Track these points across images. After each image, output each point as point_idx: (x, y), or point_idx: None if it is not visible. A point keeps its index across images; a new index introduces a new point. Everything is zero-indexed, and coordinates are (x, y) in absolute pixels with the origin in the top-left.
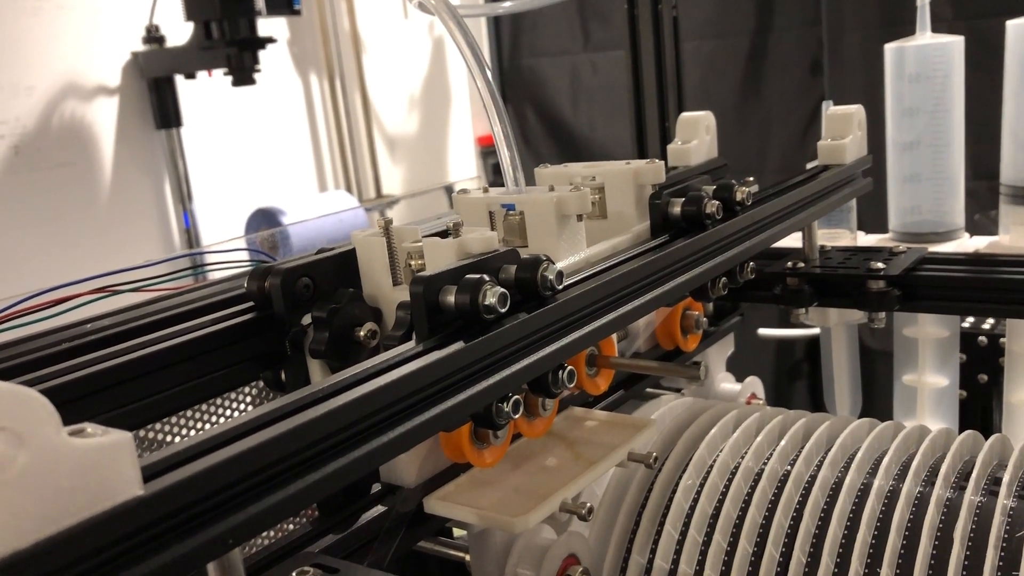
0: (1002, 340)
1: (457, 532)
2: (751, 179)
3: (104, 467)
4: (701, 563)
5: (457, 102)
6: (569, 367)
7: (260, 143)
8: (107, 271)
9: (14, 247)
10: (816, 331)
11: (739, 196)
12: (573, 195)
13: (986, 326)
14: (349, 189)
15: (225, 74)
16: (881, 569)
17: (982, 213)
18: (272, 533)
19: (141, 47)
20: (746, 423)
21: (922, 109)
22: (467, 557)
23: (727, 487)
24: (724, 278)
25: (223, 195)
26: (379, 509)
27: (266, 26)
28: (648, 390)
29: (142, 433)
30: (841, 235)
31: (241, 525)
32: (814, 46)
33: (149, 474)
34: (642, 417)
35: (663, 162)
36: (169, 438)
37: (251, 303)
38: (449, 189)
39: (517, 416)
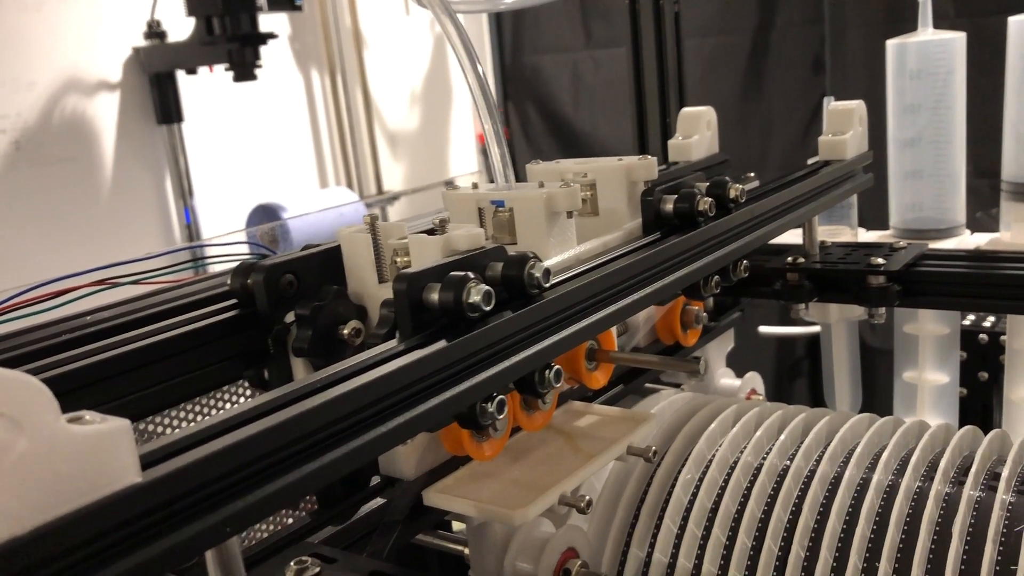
0: (1002, 338)
1: (456, 525)
2: (752, 174)
3: (102, 454)
4: (700, 557)
5: (458, 98)
6: (556, 367)
7: (261, 139)
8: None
9: (14, 242)
10: (817, 329)
11: (732, 193)
12: (563, 191)
13: (987, 324)
14: (350, 185)
15: (226, 70)
16: (880, 563)
17: (983, 211)
18: (272, 525)
19: (142, 42)
20: (745, 418)
21: (923, 106)
22: (466, 550)
23: (726, 481)
24: (717, 276)
25: (224, 191)
26: (378, 501)
27: (267, 22)
28: (647, 385)
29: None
30: (842, 231)
31: (238, 513)
32: (816, 43)
33: (147, 462)
34: (642, 411)
35: (655, 158)
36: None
37: (235, 300)
38: (449, 185)
39: (502, 416)
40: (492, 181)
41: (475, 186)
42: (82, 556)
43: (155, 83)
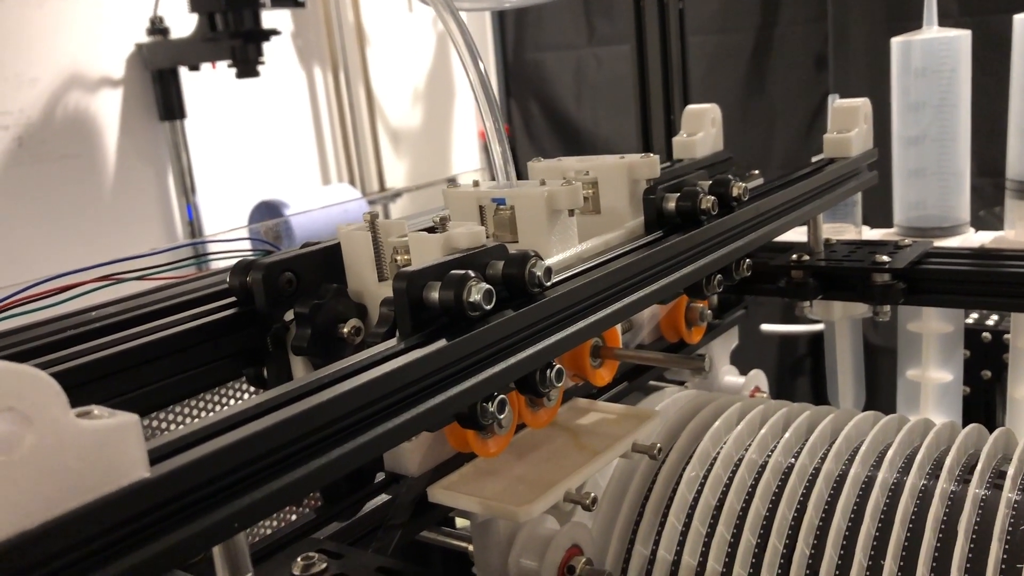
0: (1006, 336)
1: (460, 522)
2: (756, 172)
3: (111, 449)
4: (704, 554)
5: (460, 95)
6: (558, 366)
7: (263, 136)
8: (110, 260)
9: (17, 238)
10: (819, 327)
11: (735, 192)
12: (564, 189)
13: (990, 322)
14: (352, 182)
15: (229, 66)
16: (885, 561)
17: (987, 210)
18: (276, 521)
19: (145, 39)
20: (750, 415)
21: (928, 103)
22: (470, 547)
23: (731, 479)
24: (719, 275)
25: (226, 188)
26: (383, 498)
27: (270, 18)
28: (651, 382)
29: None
30: (846, 229)
31: (246, 509)
32: (819, 41)
33: (156, 457)
34: (646, 408)
35: (657, 156)
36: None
37: (234, 298)
38: (452, 182)
39: (503, 416)
40: (494, 179)
41: (476, 184)
42: (91, 550)
43: (158, 79)
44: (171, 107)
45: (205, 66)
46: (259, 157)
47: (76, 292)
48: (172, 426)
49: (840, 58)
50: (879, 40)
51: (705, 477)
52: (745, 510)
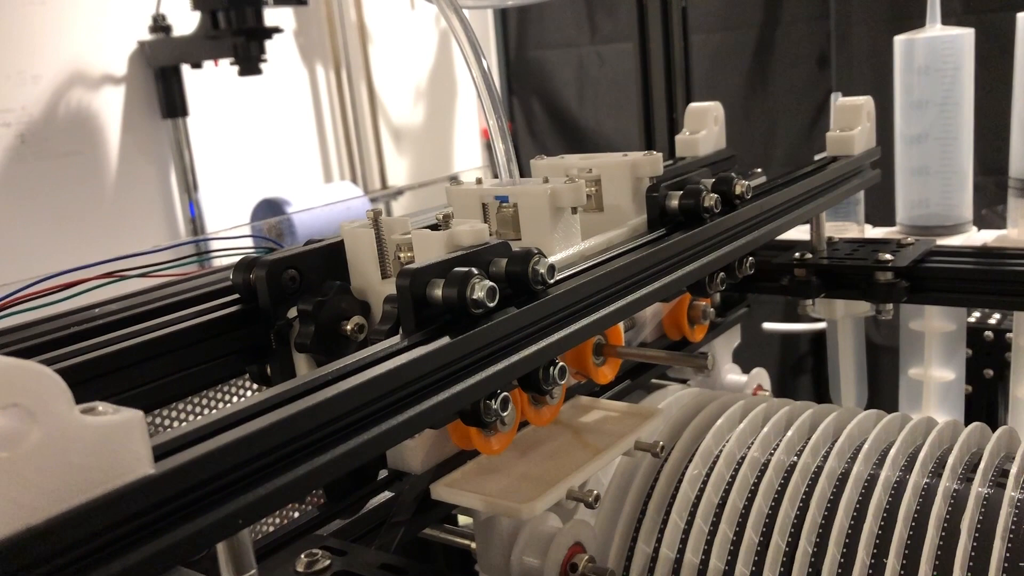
0: (1008, 335)
1: (462, 520)
2: (758, 170)
3: (116, 445)
4: (707, 552)
5: (462, 93)
6: (561, 363)
7: (266, 133)
8: (114, 257)
9: (19, 235)
10: (820, 326)
11: (738, 190)
12: (567, 187)
13: (992, 321)
14: (354, 180)
15: (231, 64)
16: (888, 560)
17: (989, 208)
18: (280, 519)
19: (148, 36)
20: (752, 413)
21: (931, 102)
22: (473, 544)
23: (733, 477)
24: (723, 273)
25: (228, 185)
26: (386, 495)
27: (273, 16)
28: (653, 380)
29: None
30: (848, 228)
31: (250, 505)
32: (822, 39)
33: (160, 453)
34: (649, 406)
35: (660, 154)
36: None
37: (237, 295)
38: (454, 179)
39: (506, 413)
40: (496, 176)
41: (479, 181)
42: (96, 546)
43: (160, 77)
44: (173, 105)
45: (207, 64)
46: (261, 155)
47: (80, 289)
48: (175, 423)
49: (843, 56)
50: (881, 38)
51: (708, 475)
52: (748, 508)
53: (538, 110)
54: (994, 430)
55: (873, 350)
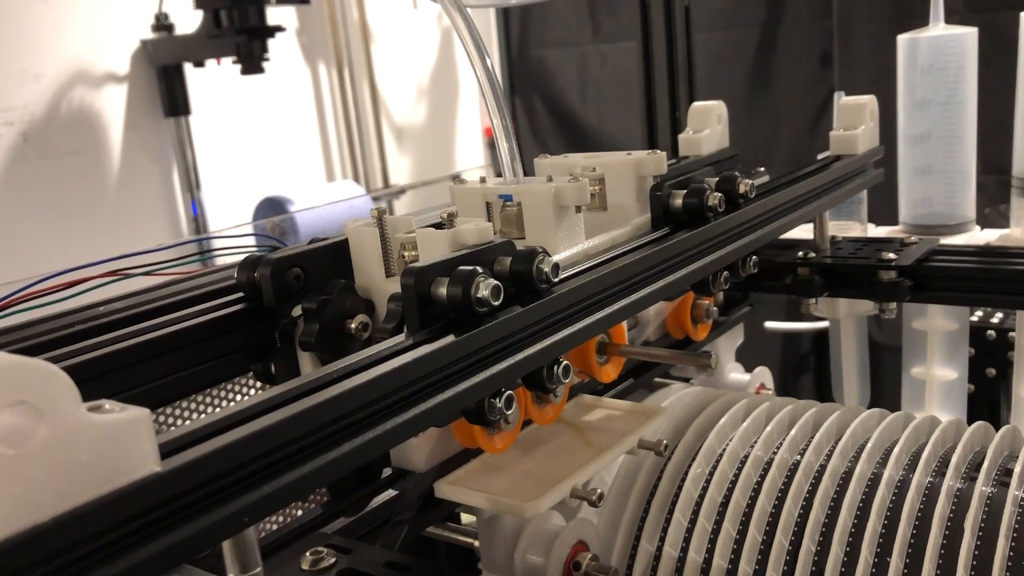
0: (1011, 334)
1: (465, 518)
2: (762, 169)
3: (122, 443)
4: (710, 551)
5: (465, 92)
6: (565, 362)
7: (268, 132)
8: (117, 256)
9: (21, 233)
10: (823, 325)
11: (742, 188)
12: (571, 186)
13: (995, 320)
14: (357, 179)
15: (234, 62)
16: (891, 558)
17: (992, 207)
18: (284, 518)
19: (150, 35)
20: (756, 412)
21: (934, 101)
22: (476, 543)
23: (737, 476)
24: (726, 272)
25: (231, 184)
26: (390, 493)
27: (275, 14)
28: (657, 379)
29: None
30: (851, 227)
31: (256, 503)
32: (824, 38)
33: (166, 451)
34: (652, 405)
35: (664, 153)
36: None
37: (242, 293)
38: (456, 179)
39: (510, 412)
40: (499, 175)
41: (483, 180)
42: (102, 544)
43: (162, 75)
44: (176, 103)
45: (210, 62)
46: (264, 153)
47: (83, 288)
48: (180, 421)
49: (845, 55)
50: (884, 37)
51: (711, 474)
52: (751, 507)
53: (540, 109)
54: (997, 429)
55: (876, 349)
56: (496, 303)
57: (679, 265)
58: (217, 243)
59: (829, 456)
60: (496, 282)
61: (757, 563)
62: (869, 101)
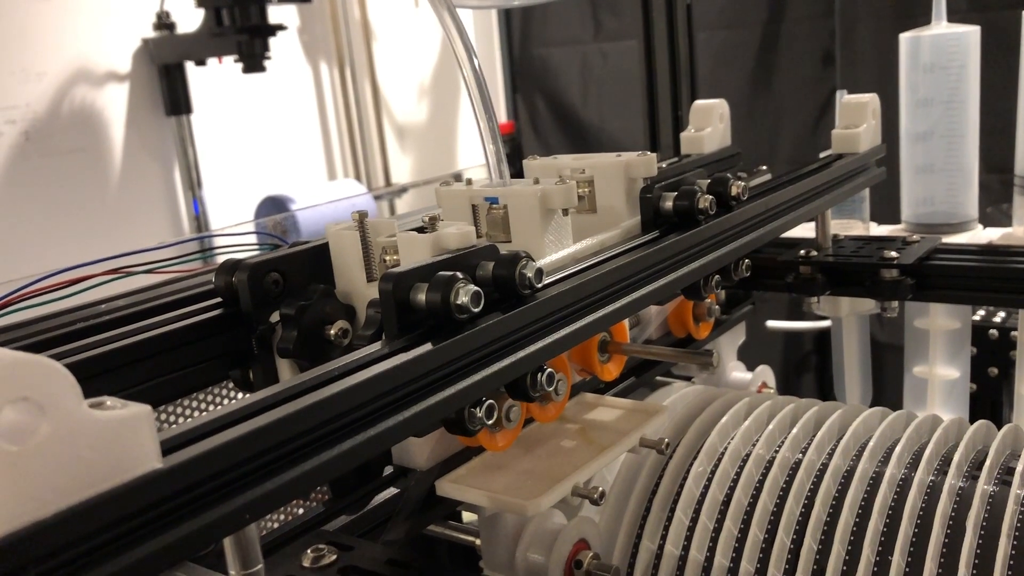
0: (1013, 333)
1: (467, 517)
2: (764, 167)
3: (124, 439)
4: (712, 549)
5: (466, 91)
6: (549, 369)
7: (270, 131)
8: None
9: (23, 231)
10: (824, 324)
11: (734, 191)
12: (558, 188)
13: (997, 319)
14: (358, 177)
15: (235, 61)
16: (893, 557)
17: (995, 206)
18: (285, 515)
19: (152, 33)
20: (757, 411)
21: (937, 99)
22: (477, 541)
23: (738, 474)
24: (717, 275)
25: (232, 182)
26: (391, 491)
27: (277, 13)
28: (658, 378)
29: None
30: (853, 225)
31: (257, 500)
32: (826, 37)
33: (168, 448)
34: (654, 403)
35: (655, 155)
36: None
37: (220, 298)
38: (458, 177)
39: (491, 422)
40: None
41: (469, 182)
42: (103, 540)
43: (164, 74)
44: (177, 102)
45: (211, 61)
46: (265, 152)
47: (84, 285)
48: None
49: (847, 54)
50: (886, 36)
51: (713, 472)
52: (753, 505)
53: (542, 108)
54: (999, 429)
55: (877, 348)
56: (476, 309)
57: (668, 269)
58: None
59: (831, 455)
60: (476, 288)
61: (759, 561)
62: (871, 99)
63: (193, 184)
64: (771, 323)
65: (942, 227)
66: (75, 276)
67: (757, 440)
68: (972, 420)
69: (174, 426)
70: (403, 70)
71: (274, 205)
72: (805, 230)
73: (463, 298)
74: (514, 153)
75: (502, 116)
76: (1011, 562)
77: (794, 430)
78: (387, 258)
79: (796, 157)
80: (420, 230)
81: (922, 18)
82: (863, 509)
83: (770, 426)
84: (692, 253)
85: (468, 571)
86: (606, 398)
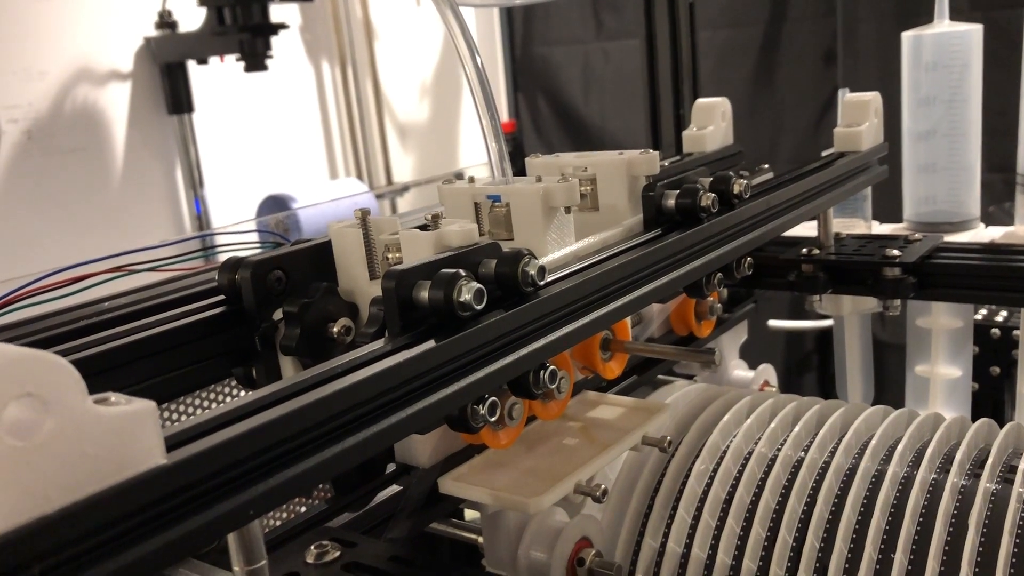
0: (1015, 332)
1: (469, 514)
2: (766, 166)
3: (128, 435)
4: (714, 547)
5: (468, 89)
6: (551, 367)
7: (271, 130)
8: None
9: (24, 230)
10: (826, 323)
11: (736, 189)
12: (560, 186)
13: (999, 318)
14: (360, 176)
15: (237, 60)
16: (895, 555)
17: (996, 205)
18: (287, 513)
19: (154, 32)
20: (760, 409)
21: (939, 98)
22: (480, 539)
23: (740, 472)
24: (719, 274)
25: (234, 181)
26: (394, 488)
27: (278, 12)
28: (660, 376)
29: None
30: (855, 224)
31: (261, 496)
32: (828, 36)
33: (172, 444)
34: (656, 401)
35: (657, 153)
36: None
37: (223, 296)
38: (460, 176)
39: (493, 419)
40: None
41: (471, 180)
42: (108, 536)
43: (166, 73)
44: (179, 101)
45: (213, 60)
46: (267, 151)
47: (87, 283)
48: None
49: (849, 52)
50: (888, 35)
51: (715, 470)
52: (755, 503)
53: (544, 107)
54: (1001, 427)
55: (879, 347)
56: (479, 307)
57: (670, 267)
58: (220, 239)
59: (833, 453)
60: (479, 286)
61: (761, 559)
62: (873, 98)
63: (195, 183)
64: (773, 322)
65: (944, 226)
66: (78, 274)
67: (759, 438)
68: (974, 419)
69: (178, 423)
70: (405, 69)
71: (276, 204)
72: (807, 228)
73: (466, 296)
74: (516, 151)
75: (504, 114)
76: (1013, 559)
77: (796, 428)
78: (389, 256)
79: (798, 155)
80: (423, 228)
81: (924, 17)
82: (865, 507)
83: (772, 424)
84: (694, 251)
85: (470, 569)
86: (608, 396)
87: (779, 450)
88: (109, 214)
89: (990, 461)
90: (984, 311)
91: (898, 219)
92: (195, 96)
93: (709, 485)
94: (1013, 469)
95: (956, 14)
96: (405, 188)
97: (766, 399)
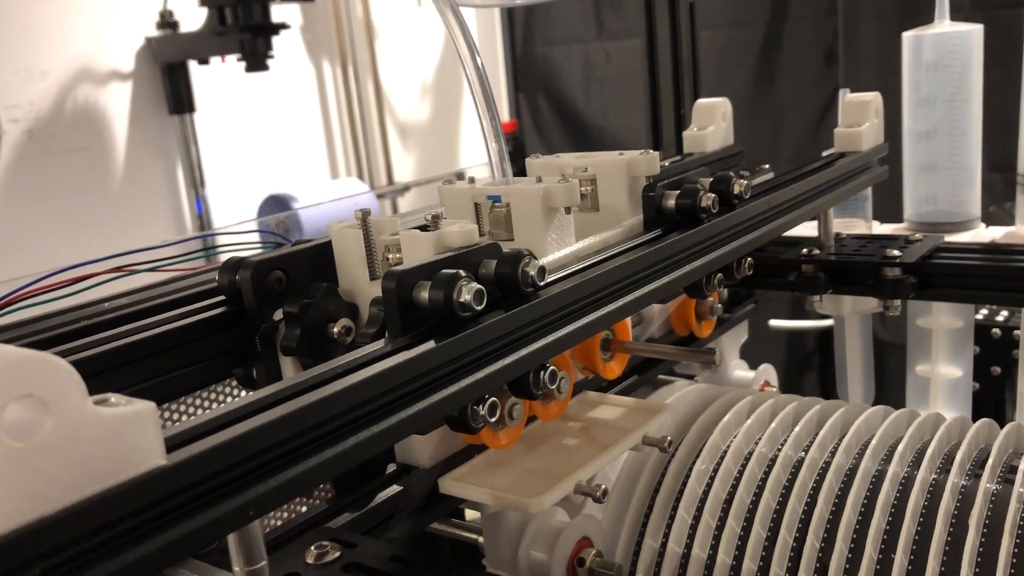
0: (1016, 332)
1: (469, 515)
2: (766, 166)
3: (128, 436)
4: (714, 547)
5: (469, 90)
6: (552, 367)
7: (272, 130)
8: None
9: (26, 230)
10: (827, 323)
11: (737, 189)
12: (561, 186)
13: (1000, 318)
14: (361, 176)
15: (238, 60)
16: (895, 555)
17: (997, 205)
18: (288, 513)
19: (155, 32)
20: (760, 409)
21: (939, 98)
22: (480, 539)
23: (741, 472)
24: (720, 274)
25: (235, 181)
26: (395, 488)
27: (280, 12)
28: (660, 376)
29: None
30: (856, 224)
31: (261, 497)
32: (829, 35)
33: (172, 444)
34: (657, 401)
35: (657, 153)
36: None
37: (223, 296)
38: (460, 176)
39: (493, 419)
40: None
41: (471, 181)
42: (108, 537)
43: (167, 73)
44: (180, 100)
45: (214, 60)
46: (268, 151)
47: (88, 284)
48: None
49: (850, 52)
50: (889, 35)
51: (715, 470)
52: (755, 503)
53: (544, 107)
54: (1001, 427)
55: (880, 347)
56: (479, 307)
57: (670, 268)
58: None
59: (833, 453)
60: (479, 286)
61: (761, 560)
62: (874, 98)
63: (196, 183)
64: (773, 322)
65: (945, 226)
66: (78, 274)
67: (759, 438)
68: (974, 419)
69: (178, 423)
70: (406, 69)
71: (276, 204)
72: (807, 229)
73: (466, 296)
74: (516, 152)
75: (505, 115)
76: (1014, 560)
77: (796, 428)
78: (390, 256)
79: (799, 155)
80: (423, 228)
81: (925, 16)
82: (866, 507)
83: (772, 424)
84: (694, 251)
85: (471, 569)
86: (609, 396)
87: (779, 450)
88: (109, 214)
89: (990, 461)
90: (985, 311)
91: (899, 219)
92: (196, 96)
93: (709, 485)
94: (1013, 469)
95: (957, 14)
96: (406, 188)
97: (766, 399)
